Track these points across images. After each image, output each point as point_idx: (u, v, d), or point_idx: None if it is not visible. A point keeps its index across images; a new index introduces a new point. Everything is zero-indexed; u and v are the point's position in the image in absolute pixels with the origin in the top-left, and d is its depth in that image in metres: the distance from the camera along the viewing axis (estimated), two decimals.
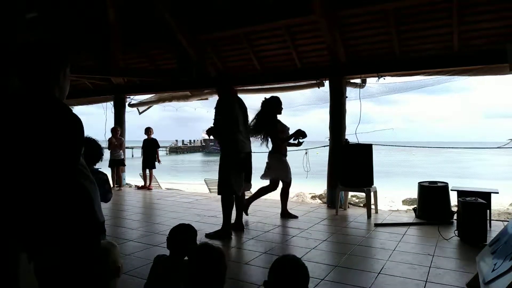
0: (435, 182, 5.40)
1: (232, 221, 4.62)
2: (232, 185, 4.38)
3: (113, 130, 8.54)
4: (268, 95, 5.50)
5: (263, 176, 5.37)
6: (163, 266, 2.20)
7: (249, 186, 4.80)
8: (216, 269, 1.70)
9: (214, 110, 4.45)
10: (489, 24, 5.14)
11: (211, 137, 4.89)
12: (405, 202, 10.83)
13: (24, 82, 1.62)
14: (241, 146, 4.44)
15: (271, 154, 5.40)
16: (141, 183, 8.93)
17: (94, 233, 1.72)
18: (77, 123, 1.59)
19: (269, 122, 5.28)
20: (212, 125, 4.43)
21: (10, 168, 1.53)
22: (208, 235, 4.35)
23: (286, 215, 5.44)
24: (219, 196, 4.57)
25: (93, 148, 2.79)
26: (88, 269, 1.66)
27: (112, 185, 7.36)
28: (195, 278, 1.69)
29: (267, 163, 5.42)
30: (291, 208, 6.04)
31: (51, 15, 7.18)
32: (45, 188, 1.52)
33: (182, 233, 2.23)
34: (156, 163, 8.61)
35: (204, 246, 1.79)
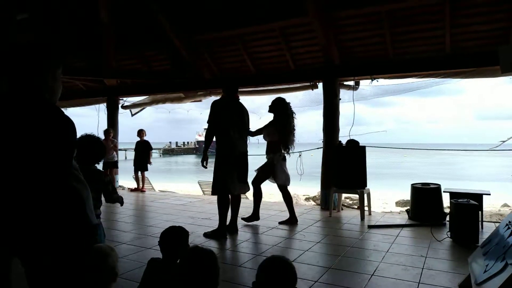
0: (428, 184, 5.43)
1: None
2: (228, 185, 4.40)
3: (105, 133, 8.46)
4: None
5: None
6: (156, 269, 2.18)
7: (246, 188, 4.76)
8: (208, 271, 1.68)
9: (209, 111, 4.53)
10: (480, 26, 5.20)
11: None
12: (398, 203, 10.87)
13: (14, 83, 1.61)
14: (235, 145, 4.47)
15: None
16: (134, 185, 8.87)
17: (86, 236, 1.70)
18: (69, 125, 1.57)
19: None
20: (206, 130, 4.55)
21: (1, 172, 1.51)
22: (205, 234, 4.43)
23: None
24: (212, 198, 4.57)
25: (97, 147, 2.70)
26: (81, 273, 1.64)
27: None
28: (187, 281, 1.68)
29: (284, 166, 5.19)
30: (285, 210, 6.04)
31: (42, 16, 7.12)
32: (37, 191, 1.50)
33: (173, 236, 2.21)
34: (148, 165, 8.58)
35: (195, 249, 1.78)
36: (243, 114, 4.65)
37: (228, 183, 4.41)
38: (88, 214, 1.68)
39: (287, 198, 5.19)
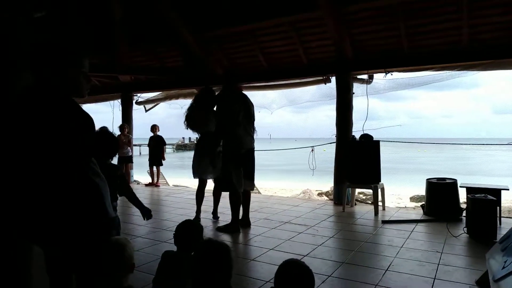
0: (444, 179, 5.34)
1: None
2: (233, 182, 4.37)
3: (121, 128, 8.62)
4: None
5: None
6: (171, 261, 2.20)
7: (252, 185, 4.73)
8: (221, 264, 1.69)
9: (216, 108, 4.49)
10: (499, 17, 5.05)
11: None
12: (412, 199, 10.74)
13: (37, 79, 1.65)
14: (241, 142, 4.40)
15: None
16: (149, 180, 8.99)
17: (104, 228, 1.74)
18: (88, 120, 1.61)
19: None
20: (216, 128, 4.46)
21: (22, 165, 1.55)
22: (218, 228, 4.47)
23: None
24: (225, 193, 4.59)
25: (110, 141, 2.68)
26: (99, 263, 1.69)
27: None
28: (201, 274, 1.69)
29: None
30: (298, 205, 6.05)
31: (56, 14, 7.22)
32: (57, 184, 1.53)
33: (188, 229, 2.24)
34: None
35: (210, 242, 1.79)
36: (249, 106, 4.50)
37: (234, 180, 4.37)
38: (106, 207, 1.72)
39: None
